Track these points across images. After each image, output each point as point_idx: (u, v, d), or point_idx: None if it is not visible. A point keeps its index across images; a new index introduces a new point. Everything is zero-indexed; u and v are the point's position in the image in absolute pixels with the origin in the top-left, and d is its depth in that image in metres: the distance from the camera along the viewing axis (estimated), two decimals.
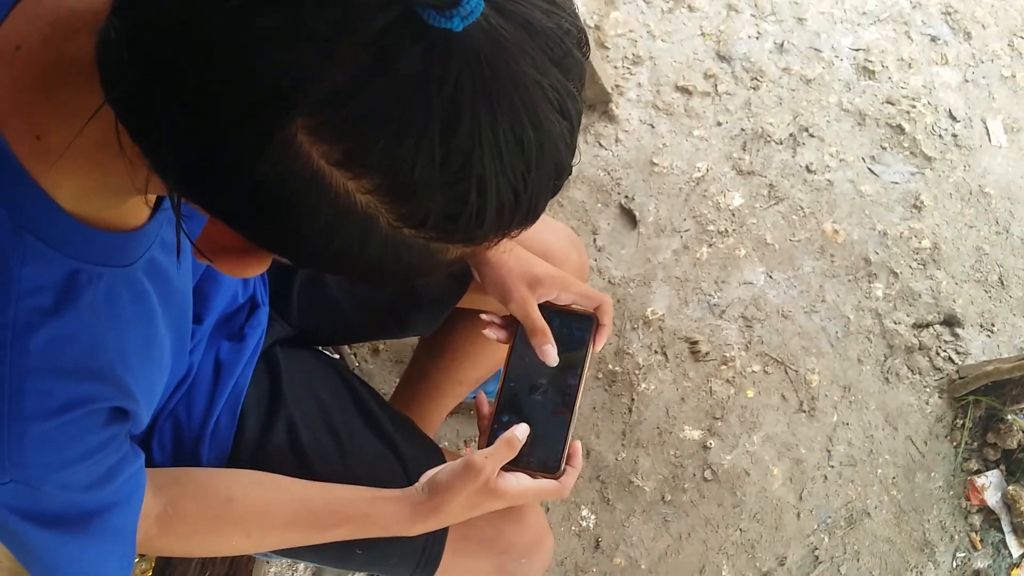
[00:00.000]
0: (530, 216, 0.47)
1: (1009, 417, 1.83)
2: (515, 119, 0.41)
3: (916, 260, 2.00)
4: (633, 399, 1.82)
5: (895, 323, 1.93)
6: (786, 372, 1.87)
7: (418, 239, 0.45)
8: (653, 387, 1.83)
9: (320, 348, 1.19)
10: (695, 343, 1.86)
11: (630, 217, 1.98)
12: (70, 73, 0.49)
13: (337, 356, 1.79)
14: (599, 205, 1.99)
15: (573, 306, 0.98)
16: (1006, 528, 1.79)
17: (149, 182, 0.47)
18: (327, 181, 0.41)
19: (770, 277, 1.95)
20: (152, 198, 0.63)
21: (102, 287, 0.60)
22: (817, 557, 1.74)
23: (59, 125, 0.50)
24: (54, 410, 0.59)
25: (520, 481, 0.90)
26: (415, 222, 0.44)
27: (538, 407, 0.94)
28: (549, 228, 1.13)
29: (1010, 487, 1.80)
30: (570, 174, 0.48)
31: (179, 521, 0.85)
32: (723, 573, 1.70)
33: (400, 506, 0.88)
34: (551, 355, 0.94)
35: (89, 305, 0.58)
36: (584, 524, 1.71)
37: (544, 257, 0.99)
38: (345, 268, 0.48)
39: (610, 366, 1.84)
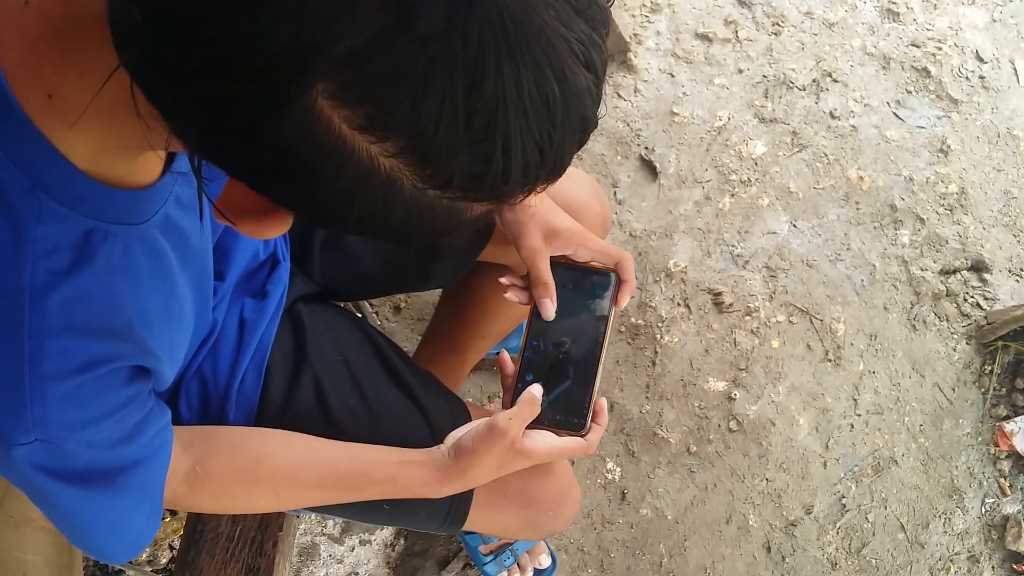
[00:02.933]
0: (556, 171, 0.46)
1: None
2: (540, 74, 0.40)
3: (943, 205, 1.96)
4: (657, 352, 1.81)
5: (922, 270, 1.90)
6: (811, 321, 1.85)
7: (443, 199, 0.44)
8: (676, 339, 1.82)
9: (342, 305, 1.18)
10: (718, 294, 1.85)
11: (651, 169, 1.96)
12: (81, 30, 0.48)
13: (360, 315, 1.79)
14: (619, 157, 1.97)
15: (593, 263, 0.97)
16: None
17: (170, 142, 0.46)
18: (350, 146, 0.40)
19: (794, 226, 1.92)
20: (164, 153, 0.62)
21: (118, 245, 0.59)
22: (844, 505, 1.73)
23: (71, 84, 0.49)
24: (75, 369, 0.59)
25: (546, 440, 0.89)
26: (440, 183, 0.43)
27: (562, 365, 0.93)
28: (571, 178, 1.11)
29: None
30: (596, 127, 0.46)
31: (208, 479, 0.85)
32: (750, 522, 1.71)
33: (427, 470, 0.88)
34: (549, 309, 0.93)
35: (105, 263, 0.58)
36: (610, 477, 1.72)
37: (565, 207, 0.98)
38: (368, 230, 0.47)
39: (633, 319, 1.83)
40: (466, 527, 1.02)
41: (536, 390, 0.89)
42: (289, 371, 0.97)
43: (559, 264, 0.95)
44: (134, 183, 0.59)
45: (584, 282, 0.96)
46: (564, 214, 0.95)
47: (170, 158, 0.63)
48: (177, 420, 0.93)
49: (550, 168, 0.45)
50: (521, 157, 0.42)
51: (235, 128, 0.41)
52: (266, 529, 1.06)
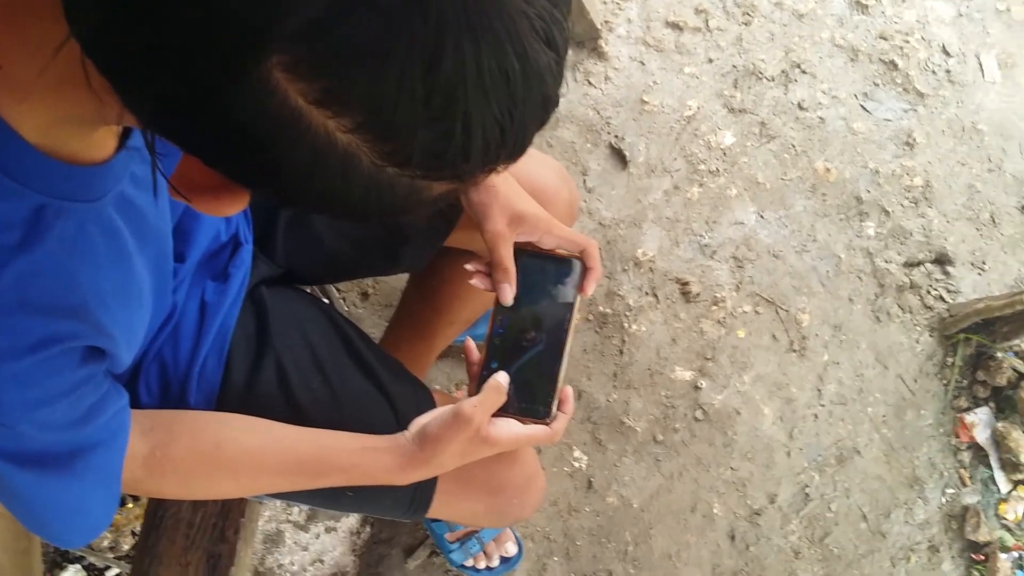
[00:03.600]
0: (517, 150, 0.45)
1: (999, 355, 1.84)
2: (500, 51, 0.39)
3: (908, 198, 1.98)
4: (624, 340, 1.81)
5: (886, 262, 1.92)
6: (777, 312, 1.86)
7: (402, 177, 0.43)
8: (644, 328, 1.82)
9: (308, 290, 1.17)
10: (686, 284, 1.85)
11: (620, 157, 1.96)
12: (33, 2, 0.46)
13: (327, 301, 1.77)
14: (588, 145, 1.96)
15: (558, 250, 0.96)
16: (995, 464, 1.81)
17: (123, 117, 0.45)
18: (306, 120, 0.39)
19: (761, 217, 1.93)
20: (119, 129, 0.60)
21: (71, 223, 0.57)
22: (808, 495, 1.75)
23: (22, 57, 0.47)
24: (27, 348, 0.57)
25: (511, 428, 0.89)
26: (399, 161, 0.42)
27: (527, 353, 0.93)
28: (538, 163, 1.10)
29: (999, 424, 1.81)
30: (557, 105, 0.46)
31: (168, 464, 0.84)
32: (714, 511, 1.72)
33: (391, 457, 0.87)
34: (507, 294, 0.93)
35: (58, 241, 0.56)
36: (576, 465, 1.72)
37: (533, 193, 0.97)
38: (327, 207, 0.46)
39: (601, 308, 1.83)
40: (430, 514, 1.02)
41: (502, 378, 0.89)
42: (251, 355, 0.95)
43: (524, 251, 0.94)
44: (88, 159, 0.58)
45: (549, 269, 0.95)
46: (531, 200, 0.94)
47: (126, 134, 0.61)
48: (137, 404, 0.91)
49: (511, 146, 0.44)
50: (481, 135, 0.41)
51: (188, 102, 0.39)
52: (228, 515, 1.04)
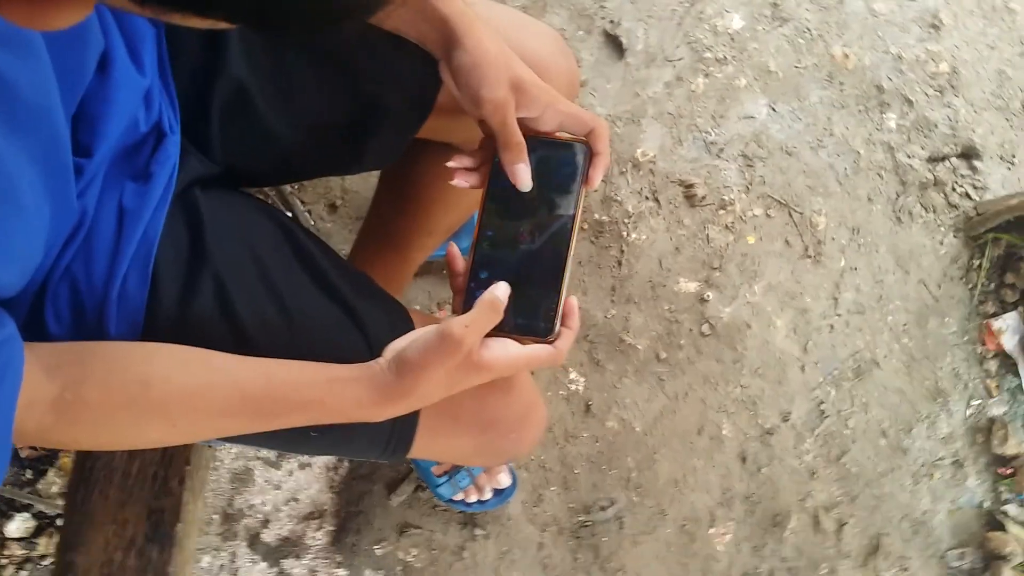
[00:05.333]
0: None
1: None
2: None
3: (933, 86, 1.79)
4: (623, 251, 1.64)
5: (908, 157, 1.75)
6: (790, 215, 1.69)
7: None
8: (644, 237, 1.65)
9: (262, 197, 0.98)
10: (690, 186, 1.67)
11: (616, 45, 1.75)
12: None
13: (290, 215, 1.59)
14: (580, 32, 1.75)
15: (559, 134, 0.78)
16: (1023, 373, 1.67)
17: None
18: None
19: (773, 110, 1.74)
20: None
21: None
22: (823, 411, 1.62)
23: None
24: None
25: (508, 350, 0.72)
26: None
27: (523, 259, 0.76)
28: (531, 31, 0.91)
29: None
30: None
31: (82, 408, 0.67)
32: (723, 432, 1.58)
33: (363, 388, 0.71)
34: (523, 177, 0.75)
35: None
36: (573, 388, 1.57)
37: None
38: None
39: (596, 215, 1.65)
40: (411, 454, 0.86)
41: (500, 290, 0.72)
42: (183, 272, 0.77)
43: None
44: None
45: (549, 156, 0.77)
46: (525, 66, 0.76)
47: None
48: (45, 335, 0.74)
49: None
50: None
51: None
52: (171, 463, 0.88)
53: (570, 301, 0.76)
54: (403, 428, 0.82)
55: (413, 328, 0.78)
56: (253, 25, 0.32)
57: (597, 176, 0.78)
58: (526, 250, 0.76)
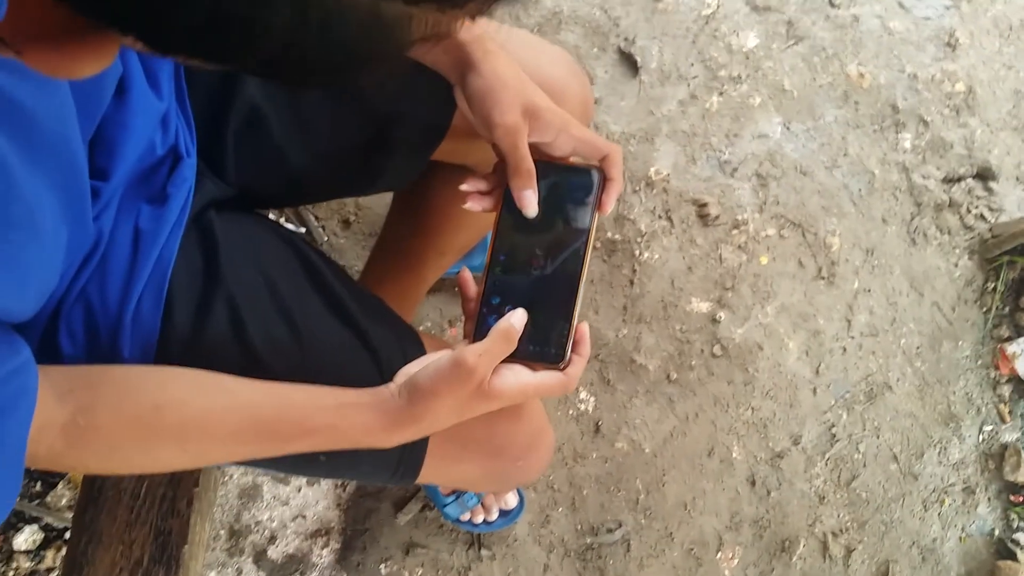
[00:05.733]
0: None
1: None
2: None
3: (948, 106, 1.78)
4: (635, 270, 1.63)
5: (924, 177, 1.74)
6: (804, 235, 1.68)
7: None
8: (657, 256, 1.64)
9: (283, 219, 0.98)
10: (704, 205, 1.66)
11: (630, 63, 1.75)
12: None
13: (304, 230, 1.58)
14: (595, 50, 1.75)
15: (572, 159, 0.78)
16: None
17: None
18: None
19: (787, 129, 1.73)
20: None
21: None
22: (834, 435, 1.60)
23: None
24: None
25: (519, 377, 0.72)
26: None
27: (535, 284, 0.75)
28: (544, 53, 0.90)
29: None
30: None
31: (93, 433, 0.67)
32: (733, 455, 1.57)
33: (373, 414, 0.70)
34: (530, 203, 0.75)
35: None
36: (583, 407, 1.56)
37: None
38: (257, 54, 0.29)
39: (609, 234, 1.65)
40: (420, 480, 0.85)
41: (516, 319, 0.71)
42: (197, 295, 0.77)
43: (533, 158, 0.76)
44: None
45: (561, 182, 0.77)
46: (542, 92, 0.75)
47: None
48: (59, 357, 0.73)
49: None
50: None
51: None
52: (179, 485, 0.87)
53: (581, 328, 0.76)
54: (412, 453, 0.82)
55: (424, 352, 0.77)
56: (276, 79, 0.32)
57: (610, 202, 0.77)
58: (538, 276, 0.76)
